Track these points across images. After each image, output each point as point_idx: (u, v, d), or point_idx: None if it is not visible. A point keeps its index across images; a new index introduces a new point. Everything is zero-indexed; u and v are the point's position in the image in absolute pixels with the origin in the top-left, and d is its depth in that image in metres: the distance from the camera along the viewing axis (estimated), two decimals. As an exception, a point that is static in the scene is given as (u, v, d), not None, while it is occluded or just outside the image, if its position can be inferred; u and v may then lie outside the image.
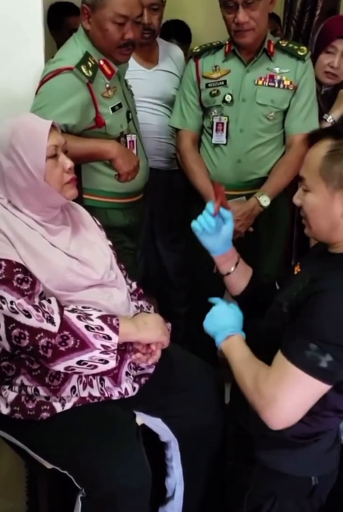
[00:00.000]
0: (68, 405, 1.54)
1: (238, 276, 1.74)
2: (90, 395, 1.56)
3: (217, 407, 1.69)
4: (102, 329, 1.49)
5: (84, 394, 1.56)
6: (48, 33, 2.83)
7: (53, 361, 1.46)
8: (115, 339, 1.50)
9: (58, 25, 2.91)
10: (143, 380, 1.67)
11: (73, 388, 1.55)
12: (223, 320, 1.54)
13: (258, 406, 1.36)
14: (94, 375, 1.54)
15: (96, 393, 1.57)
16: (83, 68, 1.96)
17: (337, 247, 1.44)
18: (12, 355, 1.53)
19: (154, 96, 2.53)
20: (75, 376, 1.55)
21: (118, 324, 1.52)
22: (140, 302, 1.82)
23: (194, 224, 1.66)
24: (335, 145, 1.37)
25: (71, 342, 1.46)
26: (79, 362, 1.47)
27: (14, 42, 2.05)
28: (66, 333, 1.46)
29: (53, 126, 1.56)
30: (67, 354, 1.46)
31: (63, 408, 1.54)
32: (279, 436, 1.40)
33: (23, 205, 1.55)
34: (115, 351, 1.50)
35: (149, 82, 2.32)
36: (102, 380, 1.58)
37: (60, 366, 1.47)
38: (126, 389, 1.61)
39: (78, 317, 1.49)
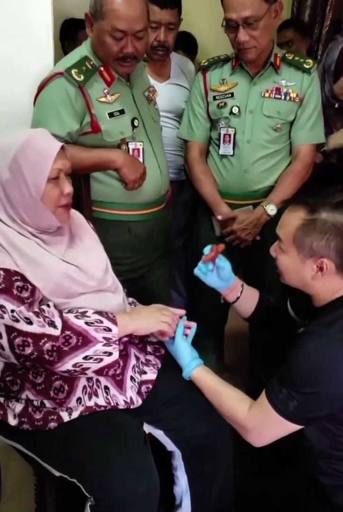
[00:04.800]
0: (75, 414, 1.55)
1: (245, 302, 1.88)
2: (96, 404, 1.57)
3: (220, 416, 1.66)
4: (101, 322, 1.52)
5: (90, 403, 1.57)
6: (59, 46, 2.88)
7: (60, 361, 1.47)
8: (115, 329, 1.52)
9: (72, 38, 2.97)
10: (145, 388, 1.66)
11: (79, 399, 1.56)
12: (185, 358, 1.69)
13: (240, 430, 1.57)
14: (99, 372, 1.53)
15: (102, 402, 1.58)
16: (74, 72, 1.96)
17: (315, 301, 1.58)
18: (15, 370, 1.55)
19: (165, 109, 2.55)
20: (80, 387, 1.56)
21: (114, 317, 1.55)
22: (131, 299, 1.86)
23: (196, 271, 1.81)
24: (308, 220, 1.48)
25: (73, 340, 1.47)
26: (85, 357, 1.49)
27: (24, 51, 2.11)
28: (68, 332, 1.47)
29: (62, 148, 1.56)
30: (72, 352, 1.47)
31: (70, 417, 1.54)
32: None
33: (17, 218, 1.54)
34: (117, 342, 1.52)
35: (161, 95, 2.36)
36: (107, 388, 1.60)
37: (67, 365, 1.48)
38: (131, 398, 1.61)
39: (76, 317, 1.51)
